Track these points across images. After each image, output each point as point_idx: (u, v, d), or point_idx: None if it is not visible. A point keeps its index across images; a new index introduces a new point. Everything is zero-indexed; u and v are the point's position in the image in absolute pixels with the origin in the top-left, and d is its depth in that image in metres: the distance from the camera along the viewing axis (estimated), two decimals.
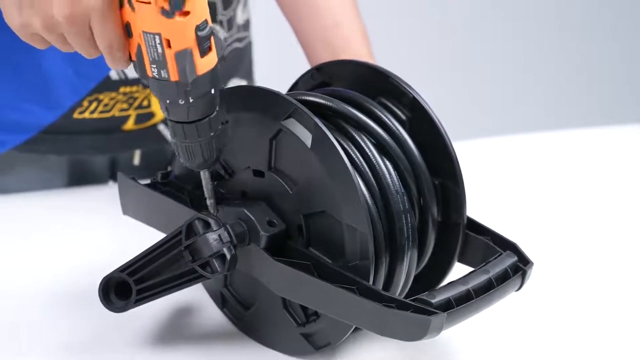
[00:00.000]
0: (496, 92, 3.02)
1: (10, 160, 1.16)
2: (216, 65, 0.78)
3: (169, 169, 0.94)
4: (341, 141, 0.83)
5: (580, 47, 3.08)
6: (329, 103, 0.86)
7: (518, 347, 0.91)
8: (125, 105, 1.16)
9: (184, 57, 0.75)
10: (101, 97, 1.14)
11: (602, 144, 1.41)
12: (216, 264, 0.82)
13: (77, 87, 1.13)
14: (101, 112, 1.15)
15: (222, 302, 0.92)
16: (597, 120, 1.86)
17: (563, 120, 2.23)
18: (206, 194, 0.85)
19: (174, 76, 0.76)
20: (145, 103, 1.16)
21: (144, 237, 0.91)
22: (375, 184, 0.83)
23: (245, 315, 0.90)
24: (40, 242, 1.06)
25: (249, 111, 0.84)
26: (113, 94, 1.14)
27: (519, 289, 0.83)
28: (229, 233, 0.83)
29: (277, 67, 1.61)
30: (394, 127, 0.86)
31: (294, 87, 0.94)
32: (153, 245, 0.84)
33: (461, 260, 0.89)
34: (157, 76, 0.77)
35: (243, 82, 1.29)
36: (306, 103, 0.85)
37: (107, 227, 1.07)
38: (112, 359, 0.87)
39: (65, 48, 0.82)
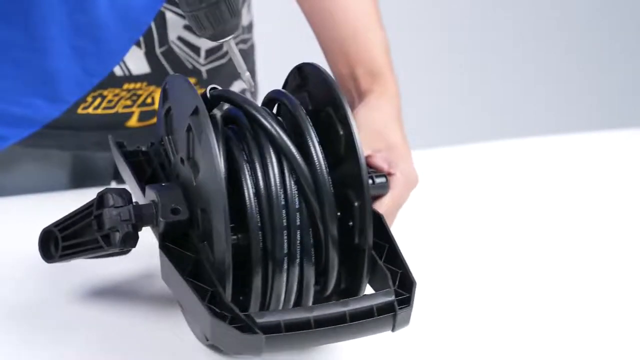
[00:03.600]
0: (496, 97, 3.01)
1: (14, 156, 1.17)
2: None
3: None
4: (236, 149, 0.83)
5: (580, 50, 3.08)
6: (251, 111, 0.84)
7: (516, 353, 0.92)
8: (129, 102, 1.15)
9: None
10: (105, 93, 1.14)
11: (602, 148, 1.40)
12: (115, 238, 0.84)
13: (82, 83, 1.13)
14: (105, 108, 1.15)
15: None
16: (598, 125, 1.87)
17: (563, 125, 2.25)
18: (238, 67, 0.86)
19: None
20: (149, 100, 1.16)
21: (146, 236, 0.92)
22: (265, 197, 0.81)
23: None
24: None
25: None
26: (117, 90, 1.14)
27: (392, 329, 0.79)
28: (129, 212, 0.84)
29: (279, 69, 1.61)
30: (310, 144, 0.83)
31: (285, 84, 0.92)
32: (79, 208, 0.88)
33: (372, 285, 0.85)
34: None
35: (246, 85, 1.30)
36: (235, 105, 0.85)
37: None
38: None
39: None
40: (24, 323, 0.93)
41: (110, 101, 1.15)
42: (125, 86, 1.15)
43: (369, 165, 0.94)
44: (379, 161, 0.95)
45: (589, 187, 1.27)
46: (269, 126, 0.83)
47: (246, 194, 0.81)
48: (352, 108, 1.04)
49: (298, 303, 0.84)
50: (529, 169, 1.33)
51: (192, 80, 1.19)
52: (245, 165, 0.82)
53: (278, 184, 0.82)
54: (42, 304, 0.96)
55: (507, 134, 1.68)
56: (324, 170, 0.82)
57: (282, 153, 0.82)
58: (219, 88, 0.87)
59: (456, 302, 0.99)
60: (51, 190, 1.18)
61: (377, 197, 0.92)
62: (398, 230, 0.95)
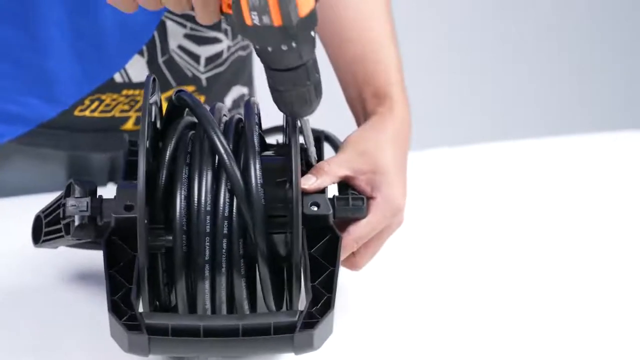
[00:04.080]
0: (495, 98, 3.03)
1: (8, 152, 1.18)
2: (315, 6, 0.77)
3: None
4: (182, 154, 0.83)
5: (579, 52, 3.11)
6: (201, 117, 0.84)
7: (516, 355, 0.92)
8: (126, 107, 1.16)
9: (285, 1, 0.75)
10: (103, 97, 1.15)
11: (601, 150, 1.40)
12: (72, 227, 0.85)
13: (81, 86, 1.15)
14: (102, 111, 1.16)
15: None
16: (596, 126, 1.85)
17: (562, 126, 2.23)
18: (308, 142, 0.86)
19: (277, 21, 0.75)
20: None
21: None
22: (195, 204, 0.81)
23: None
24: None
25: None
26: (115, 95, 1.15)
27: (294, 351, 0.77)
28: (87, 204, 0.84)
29: None
30: (251, 159, 0.83)
31: None
32: (59, 195, 0.89)
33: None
34: (257, 23, 0.76)
35: (245, 90, 1.29)
36: (190, 110, 0.86)
37: None
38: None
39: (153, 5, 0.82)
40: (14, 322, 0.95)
41: (107, 105, 1.16)
42: (124, 92, 1.16)
43: (352, 187, 0.92)
44: (362, 184, 0.92)
45: (588, 189, 1.27)
46: (212, 134, 0.82)
47: (177, 196, 0.81)
48: None
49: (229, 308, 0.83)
50: (528, 170, 1.32)
51: (192, 88, 1.20)
52: (183, 169, 0.82)
53: (208, 190, 0.81)
54: (31, 302, 0.98)
55: (505, 135, 1.67)
56: (258, 184, 0.81)
57: (220, 162, 0.82)
58: (185, 91, 0.87)
59: (456, 305, 0.99)
60: (48, 189, 1.18)
61: (354, 220, 0.90)
62: (397, 234, 0.95)
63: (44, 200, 1.10)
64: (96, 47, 1.13)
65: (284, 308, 0.86)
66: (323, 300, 0.80)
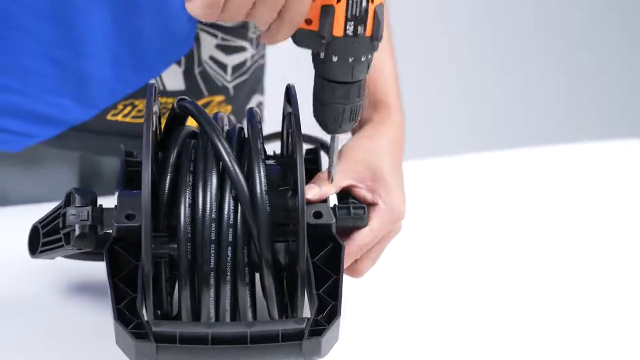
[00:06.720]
0: (490, 107, 3.02)
1: (39, 155, 1.19)
2: None
3: None
4: (185, 161, 0.84)
5: (577, 59, 3.10)
6: (204, 125, 0.84)
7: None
8: None
9: (381, 11, 0.80)
10: (136, 102, 1.17)
11: (598, 158, 1.41)
12: (73, 236, 0.85)
13: (115, 91, 1.16)
14: (134, 117, 1.17)
15: None
16: (593, 135, 1.84)
17: (559, 135, 2.22)
18: (332, 160, 0.88)
19: (369, 31, 0.80)
20: None
21: None
22: (200, 212, 0.81)
23: None
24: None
25: None
26: None
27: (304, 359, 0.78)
28: (88, 213, 0.85)
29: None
30: (255, 168, 0.83)
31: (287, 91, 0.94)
32: (57, 205, 0.89)
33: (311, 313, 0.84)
34: (350, 33, 0.80)
35: (262, 98, 1.30)
36: (193, 117, 0.86)
37: None
38: None
39: (240, 17, 0.82)
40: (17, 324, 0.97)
41: (140, 110, 1.18)
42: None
43: (352, 196, 0.94)
44: (363, 192, 0.94)
45: (587, 198, 1.28)
46: (216, 141, 0.83)
47: (182, 204, 0.82)
48: None
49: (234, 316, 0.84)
50: (528, 179, 1.33)
51: (221, 98, 1.21)
52: (187, 177, 0.83)
53: (213, 197, 0.82)
54: (34, 304, 0.99)
55: (503, 144, 1.67)
56: (263, 192, 0.82)
57: (225, 170, 0.82)
58: (188, 99, 0.88)
59: (455, 310, 1.01)
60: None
61: (356, 229, 0.92)
62: (395, 242, 0.97)
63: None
64: (135, 54, 1.14)
65: (284, 317, 0.87)
66: (329, 307, 0.80)
